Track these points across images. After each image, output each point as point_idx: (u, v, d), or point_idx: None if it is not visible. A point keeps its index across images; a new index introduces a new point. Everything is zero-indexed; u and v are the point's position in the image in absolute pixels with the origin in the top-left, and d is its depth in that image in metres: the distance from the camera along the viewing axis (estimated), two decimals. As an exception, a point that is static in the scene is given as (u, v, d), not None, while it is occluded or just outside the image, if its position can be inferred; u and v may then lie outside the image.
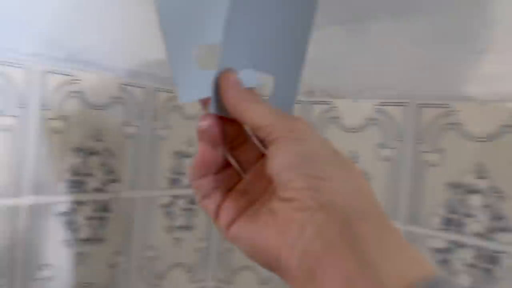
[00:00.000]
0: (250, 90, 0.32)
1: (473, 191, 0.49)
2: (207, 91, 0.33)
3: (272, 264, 0.29)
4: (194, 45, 0.34)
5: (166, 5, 0.34)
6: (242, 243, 0.31)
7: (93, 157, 0.53)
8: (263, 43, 0.34)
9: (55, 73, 0.49)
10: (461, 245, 0.49)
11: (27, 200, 0.47)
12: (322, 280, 0.26)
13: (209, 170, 0.33)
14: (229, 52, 0.33)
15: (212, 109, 0.33)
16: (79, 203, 0.51)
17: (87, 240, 0.52)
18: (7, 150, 0.46)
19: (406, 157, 0.54)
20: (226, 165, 0.34)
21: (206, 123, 0.33)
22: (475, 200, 0.49)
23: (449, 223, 0.50)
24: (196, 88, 0.34)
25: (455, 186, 0.50)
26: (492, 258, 0.47)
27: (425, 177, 0.53)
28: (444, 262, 0.50)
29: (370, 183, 0.42)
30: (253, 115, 0.31)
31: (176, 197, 0.61)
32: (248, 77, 0.33)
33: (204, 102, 0.34)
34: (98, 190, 0.53)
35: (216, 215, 0.33)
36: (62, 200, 0.50)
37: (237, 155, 0.35)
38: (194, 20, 0.34)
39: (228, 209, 0.32)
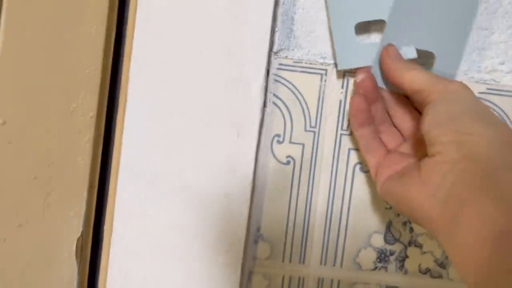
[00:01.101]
0: (408, 61, 0.36)
1: None
2: (365, 61, 0.38)
3: (417, 216, 0.31)
4: (357, 18, 0.38)
5: None
6: (392, 198, 0.33)
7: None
8: (426, 21, 0.38)
9: None
10: None
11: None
12: (465, 224, 0.27)
13: (367, 120, 0.37)
14: (392, 28, 0.38)
15: (380, 81, 0.38)
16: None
17: None
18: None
19: None
20: (388, 126, 0.38)
21: (361, 76, 0.37)
22: None
23: None
24: (355, 57, 0.38)
25: None
26: None
27: None
28: None
29: None
30: (411, 80, 0.34)
31: None
32: (408, 52, 0.37)
33: (364, 68, 0.38)
34: None
35: (375, 171, 0.36)
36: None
37: (399, 121, 0.38)
38: (359, 1, 0.38)
39: (386, 168, 0.35)
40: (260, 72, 0.39)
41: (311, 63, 0.40)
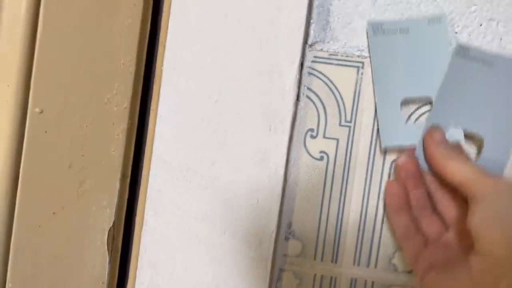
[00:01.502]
0: (454, 147, 0.34)
1: None
2: (410, 140, 0.37)
3: None
4: (404, 95, 0.38)
5: (380, 63, 0.38)
6: None
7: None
8: (476, 103, 0.36)
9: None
10: None
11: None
12: None
13: (404, 206, 0.36)
14: (440, 109, 0.36)
15: (421, 162, 0.36)
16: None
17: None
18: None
19: None
20: (431, 212, 0.36)
21: (402, 159, 0.36)
22: None
23: None
24: (400, 135, 0.38)
25: None
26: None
27: None
28: None
29: None
30: (454, 171, 0.32)
31: None
32: (455, 134, 0.36)
33: (407, 150, 0.37)
34: None
35: (415, 260, 0.34)
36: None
37: (443, 208, 0.36)
38: (407, 73, 0.37)
39: (427, 259, 0.34)
40: (294, 65, 0.38)
41: (347, 56, 0.39)
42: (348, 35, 0.39)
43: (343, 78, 0.39)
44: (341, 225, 0.39)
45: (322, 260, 0.40)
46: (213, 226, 0.39)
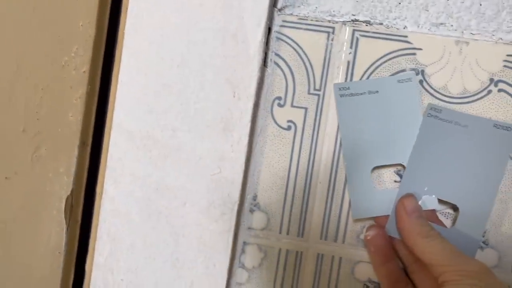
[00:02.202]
0: (425, 223, 0.33)
1: None
2: (381, 210, 0.35)
3: None
4: (375, 163, 0.36)
5: (350, 122, 0.36)
6: None
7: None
8: (450, 171, 0.35)
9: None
10: None
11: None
12: None
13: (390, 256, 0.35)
14: (413, 174, 0.35)
15: (388, 229, 0.35)
16: None
17: None
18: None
19: None
20: (406, 284, 0.35)
21: (370, 233, 0.35)
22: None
23: None
24: (371, 206, 0.36)
25: None
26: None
27: None
28: None
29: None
30: (424, 251, 0.31)
31: None
32: (429, 202, 0.35)
33: (378, 220, 0.36)
34: None
35: None
36: None
37: (416, 279, 0.35)
38: (377, 137, 0.36)
39: None
40: (259, 28, 0.36)
41: (317, 20, 0.37)
42: (319, -1, 0.38)
43: (313, 44, 0.37)
44: (308, 198, 0.38)
45: (288, 233, 0.38)
46: (173, 197, 0.37)
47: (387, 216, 0.35)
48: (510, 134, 0.35)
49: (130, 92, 0.37)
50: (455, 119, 0.35)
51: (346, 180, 0.37)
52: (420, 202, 0.35)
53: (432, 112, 0.35)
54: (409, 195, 0.34)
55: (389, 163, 0.36)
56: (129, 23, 0.37)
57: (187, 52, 0.37)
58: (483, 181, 0.34)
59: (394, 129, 0.36)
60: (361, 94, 0.36)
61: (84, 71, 0.37)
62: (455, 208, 0.36)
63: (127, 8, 0.37)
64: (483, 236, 0.36)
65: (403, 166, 0.36)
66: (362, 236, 0.38)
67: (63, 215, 0.37)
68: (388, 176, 0.37)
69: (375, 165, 0.36)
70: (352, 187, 0.36)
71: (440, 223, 0.35)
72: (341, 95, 0.36)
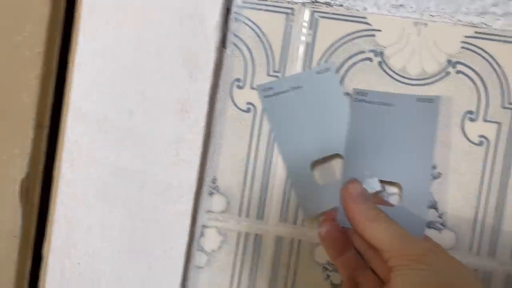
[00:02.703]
0: (372, 206, 0.32)
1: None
2: (330, 203, 0.35)
3: None
4: (313, 158, 0.36)
5: (280, 121, 0.36)
6: None
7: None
8: (386, 152, 0.35)
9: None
10: None
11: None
12: None
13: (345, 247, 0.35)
14: (351, 161, 0.35)
15: (339, 220, 0.34)
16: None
17: None
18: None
19: None
20: (364, 269, 0.34)
21: (323, 229, 0.34)
22: None
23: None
24: (320, 202, 0.36)
25: None
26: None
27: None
28: None
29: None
30: (372, 235, 0.31)
31: None
32: (372, 184, 0.35)
33: (328, 214, 0.35)
34: None
35: None
36: None
37: (373, 265, 0.34)
38: (309, 137, 0.36)
39: None
40: (215, 8, 0.35)
41: (277, 1, 0.37)
42: (279, -20, 0.37)
43: (272, 25, 0.37)
44: (267, 180, 0.38)
45: (247, 216, 0.38)
46: (131, 179, 0.37)
47: (337, 208, 0.35)
48: (434, 105, 0.35)
49: (87, 74, 0.37)
50: (381, 100, 0.35)
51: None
52: (364, 186, 0.34)
53: (358, 96, 0.35)
54: (353, 180, 0.34)
55: (327, 155, 0.36)
56: (85, 4, 0.36)
57: (143, 33, 0.36)
58: (417, 155, 0.34)
59: (324, 121, 0.36)
60: (285, 91, 0.36)
61: (38, 52, 0.36)
62: (398, 186, 0.36)
63: (84, -12, 0.36)
64: (440, 218, 0.36)
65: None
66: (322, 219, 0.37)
67: (17, 199, 0.37)
68: (331, 168, 0.37)
69: (314, 160, 0.36)
70: (297, 187, 0.36)
71: (387, 203, 0.35)
72: (266, 96, 0.36)
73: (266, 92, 0.36)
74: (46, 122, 0.38)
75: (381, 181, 0.35)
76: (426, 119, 0.35)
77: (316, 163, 0.36)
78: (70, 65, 0.37)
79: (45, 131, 0.38)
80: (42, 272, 0.38)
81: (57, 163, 0.38)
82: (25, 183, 0.37)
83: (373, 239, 0.31)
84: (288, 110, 0.36)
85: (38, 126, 0.37)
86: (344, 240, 0.34)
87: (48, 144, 0.39)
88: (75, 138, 0.37)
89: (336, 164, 0.37)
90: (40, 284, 0.38)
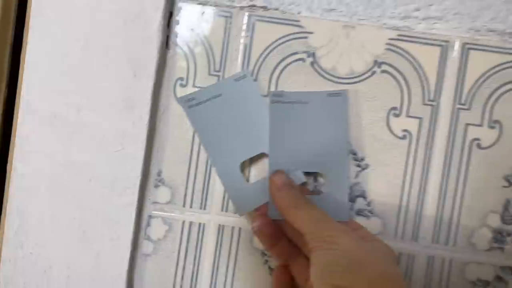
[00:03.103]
0: (296, 194, 0.35)
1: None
2: (260, 200, 0.37)
3: None
4: (241, 158, 0.38)
5: (206, 129, 0.38)
6: None
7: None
8: (306, 145, 0.38)
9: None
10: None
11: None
12: None
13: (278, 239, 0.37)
14: (276, 157, 0.38)
15: (269, 213, 0.37)
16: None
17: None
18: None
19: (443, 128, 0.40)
20: (297, 257, 0.37)
21: (256, 224, 0.37)
22: None
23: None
24: (251, 199, 0.38)
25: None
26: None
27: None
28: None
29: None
30: (295, 222, 0.33)
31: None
32: (297, 176, 0.37)
33: (260, 209, 0.37)
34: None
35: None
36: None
37: (304, 252, 0.37)
38: (235, 140, 0.38)
39: None
40: (158, 11, 0.38)
41: (217, 5, 0.39)
42: (219, -15, 0.40)
43: (213, 27, 0.40)
44: (209, 173, 0.40)
45: (191, 207, 0.40)
46: (79, 173, 0.39)
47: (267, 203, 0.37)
48: (342, 98, 0.38)
49: (37, 72, 0.39)
50: (296, 99, 0.38)
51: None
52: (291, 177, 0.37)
53: (275, 98, 0.38)
54: (278, 171, 0.37)
55: (253, 155, 0.39)
56: (34, 5, 0.38)
57: (90, 33, 0.38)
58: (333, 145, 0.38)
59: (247, 124, 0.38)
60: (207, 100, 0.38)
61: (-10, 52, 0.38)
62: (321, 175, 0.39)
63: (33, -8, 0.38)
64: (368, 206, 0.39)
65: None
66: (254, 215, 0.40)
67: (-30, 192, 0.39)
68: (259, 167, 0.40)
69: (241, 161, 0.38)
70: (227, 187, 0.38)
71: (314, 192, 0.38)
72: (189, 106, 0.38)
73: (188, 103, 0.38)
74: (-1, 118, 0.40)
75: (306, 173, 0.38)
76: (337, 111, 0.38)
77: (245, 164, 0.39)
78: (21, 63, 0.39)
79: (-2, 128, 0.40)
80: (-5, 261, 0.40)
81: (9, 158, 0.40)
82: (-22, 177, 0.39)
83: (296, 224, 0.33)
84: (211, 118, 0.38)
85: (-10, 122, 0.39)
86: (276, 232, 0.37)
87: (1, 140, 0.41)
88: (26, 134, 0.39)
89: (264, 162, 0.40)
90: (-6, 273, 0.40)
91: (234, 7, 0.39)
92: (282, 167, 0.37)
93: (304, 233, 0.32)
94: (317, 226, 0.32)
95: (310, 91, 0.39)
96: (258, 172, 0.40)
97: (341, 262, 0.30)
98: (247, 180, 0.39)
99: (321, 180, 0.39)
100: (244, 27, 0.40)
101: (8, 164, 0.40)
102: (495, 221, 0.39)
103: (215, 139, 0.38)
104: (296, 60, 0.39)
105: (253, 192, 0.38)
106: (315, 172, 0.39)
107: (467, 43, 0.39)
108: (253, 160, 0.39)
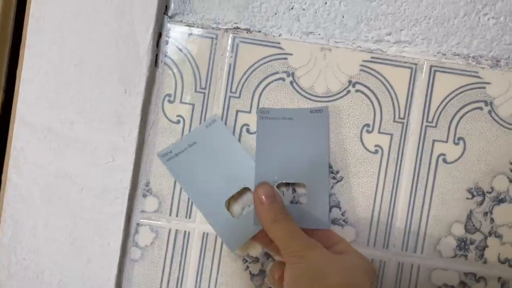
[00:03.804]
0: (276, 208, 0.37)
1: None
2: (250, 231, 0.40)
3: None
4: (224, 199, 0.41)
5: (187, 177, 0.41)
6: None
7: None
8: (290, 159, 0.40)
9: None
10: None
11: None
12: None
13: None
14: (261, 170, 0.40)
15: (254, 223, 0.40)
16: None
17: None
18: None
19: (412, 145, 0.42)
20: (279, 267, 0.38)
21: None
22: None
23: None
24: (241, 232, 0.40)
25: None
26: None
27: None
28: None
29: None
30: (272, 236, 0.36)
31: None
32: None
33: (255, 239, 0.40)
34: None
35: None
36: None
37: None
38: (216, 182, 0.41)
39: None
40: (148, 32, 0.40)
41: (203, 27, 0.42)
42: (206, 8, 0.43)
43: (199, 48, 0.42)
44: (195, 184, 0.43)
45: (177, 216, 0.43)
46: (72, 183, 0.41)
47: (260, 232, 0.40)
48: (323, 115, 0.41)
49: (32, 89, 0.41)
50: (281, 115, 0.41)
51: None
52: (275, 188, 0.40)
53: (262, 114, 0.41)
54: (263, 183, 0.39)
55: (235, 192, 0.41)
56: (31, 25, 0.41)
57: (83, 53, 0.41)
58: (316, 158, 0.40)
59: (225, 164, 0.41)
60: (183, 150, 0.41)
61: (-13, 68, 0.40)
62: (304, 186, 0.42)
63: (29, 11, 0.41)
64: (343, 215, 0.42)
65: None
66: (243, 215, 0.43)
67: (-33, 200, 0.41)
68: (242, 201, 0.42)
69: (225, 200, 0.41)
70: (216, 226, 0.41)
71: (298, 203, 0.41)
72: (168, 159, 0.41)
73: (166, 156, 0.41)
74: (-5, 131, 0.42)
75: (289, 184, 0.41)
76: (319, 126, 0.41)
77: (228, 201, 0.42)
78: (17, 80, 0.42)
79: (-6, 140, 0.42)
80: (-10, 267, 0.42)
81: (4, 168, 0.42)
82: (-26, 187, 0.41)
83: (273, 238, 0.36)
84: (190, 166, 0.41)
85: (-13, 135, 0.41)
86: (266, 242, 0.40)
87: (-3, 151, 0.43)
88: (21, 146, 0.41)
89: (246, 196, 0.42)
90: (-12, 278, 0.42)
91: (220, 29, 0.42)
92: (267, 178, 0.40)
93: (279, 247, 0.35)
94: (289, 242, 0.35)
95: (295, 108, 0.42)
96: (243, 204, 0.42)
97: (306, 274, 0.32)
98: (233, 216, 0.41)
99: (303, 191, 0.42)
100: (229, 48, 0.42)
101: (3, 175, 0.42)
102: (459, 230, 0.42)
103: (197, 184, 0.41)
104: (277, 80, 0.42)
105: (242, 225, 0.40)
106: (298, 183, 0.41)
107: (434, 66, 0.42)
108: (235, 195, 0.42)
